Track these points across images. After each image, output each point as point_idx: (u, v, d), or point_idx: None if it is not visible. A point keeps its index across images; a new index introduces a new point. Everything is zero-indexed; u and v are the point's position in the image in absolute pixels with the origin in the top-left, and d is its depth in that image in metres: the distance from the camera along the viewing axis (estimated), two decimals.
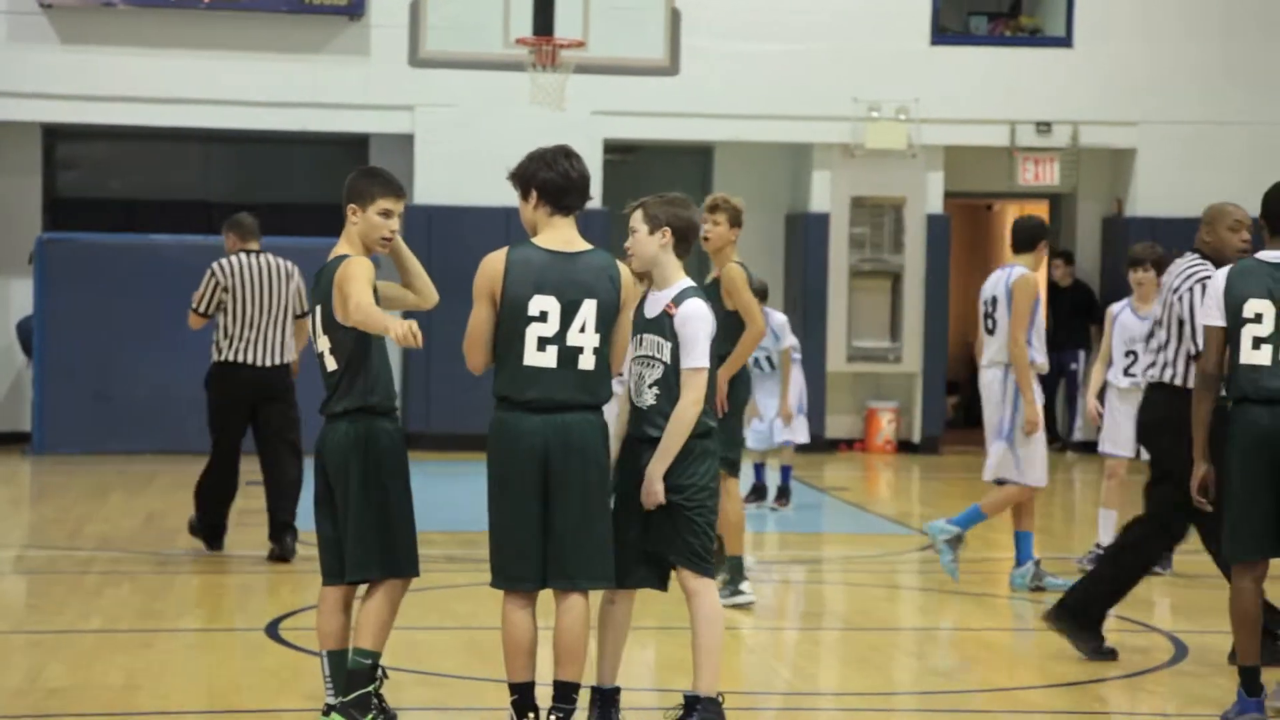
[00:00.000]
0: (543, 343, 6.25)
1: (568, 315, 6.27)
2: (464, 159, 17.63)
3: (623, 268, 6.42)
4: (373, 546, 6.45)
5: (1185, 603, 10.04)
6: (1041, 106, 18.22)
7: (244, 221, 11.06)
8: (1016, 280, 10.12)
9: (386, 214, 6.62)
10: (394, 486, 6.50)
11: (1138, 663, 8.30)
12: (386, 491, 6.48)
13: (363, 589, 6.58)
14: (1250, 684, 6.98)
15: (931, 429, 18.56)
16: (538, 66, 13.95)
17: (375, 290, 6.48)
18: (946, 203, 18.64)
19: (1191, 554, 11.93)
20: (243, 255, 10.95)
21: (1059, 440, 19.45)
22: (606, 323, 6.31)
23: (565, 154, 6.53)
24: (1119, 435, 10.97)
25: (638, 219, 6.73)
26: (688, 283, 6.62)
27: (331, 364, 6.53)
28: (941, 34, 18.35)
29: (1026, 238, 10.38)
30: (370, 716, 6.46)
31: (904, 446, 18.51)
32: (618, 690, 6.62)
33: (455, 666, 7.83)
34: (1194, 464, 7.12)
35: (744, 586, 9.42)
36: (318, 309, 6.57)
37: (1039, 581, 10.20)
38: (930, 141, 18.14)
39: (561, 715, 6.33)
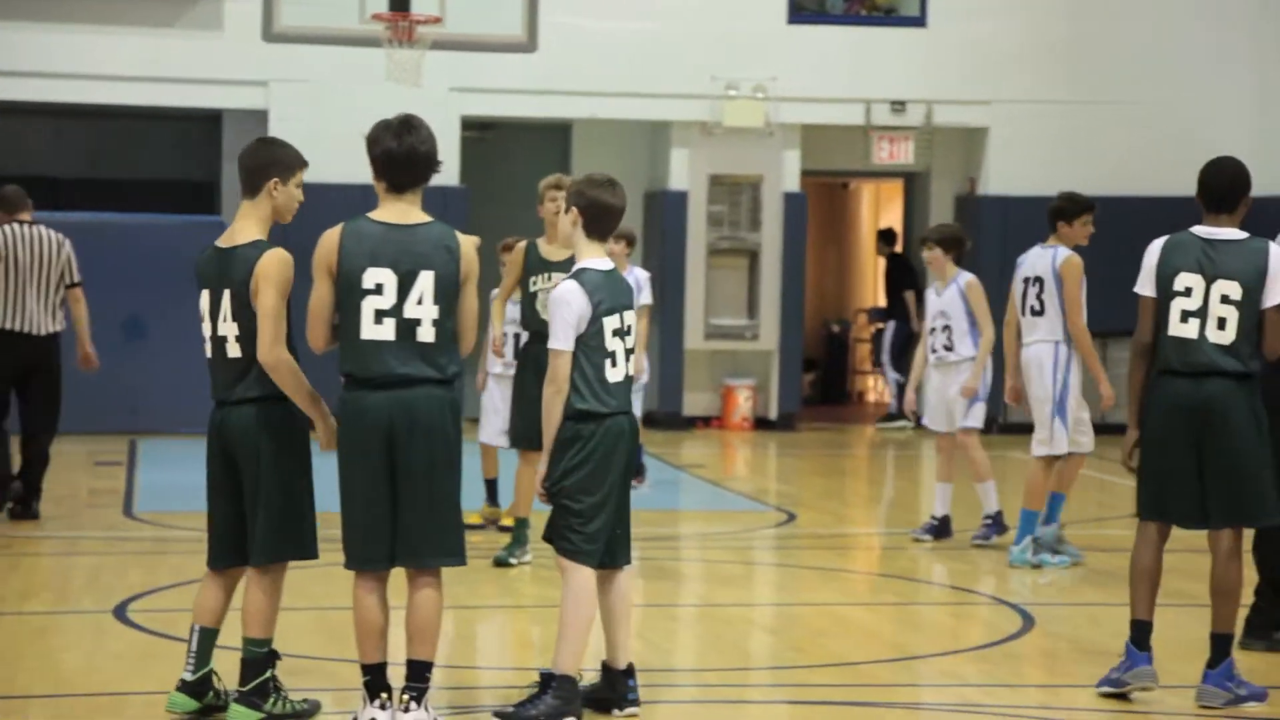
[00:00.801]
0: (380, 315, 6.19)
1: (404, 287, 6.19)
2: (320, 136, 17.39)
3: (463, 240, 6.32)
4: (283, 530, 6.43)
5: (1032, 575, 10.22)
6: (896, 86, 18.41)
7: (9, 194, 11.40)
8: (1063, 263, 10.37)
9: (299, 186, 6.65)
10: (301, 470, 6.50)
11: (986, 635, 8.44)
12: (294, 475, 6.48)
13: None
14: (1140, 638, 7.08)
15: (788, 406, 18.71)
16: (394, 42, 13.85)
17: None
18: (803, 181, 18.78)
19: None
20: (14, 226, 11.29)
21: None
22: (446, 295, 6.23)
23: (406, 126, 6.42)
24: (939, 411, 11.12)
25: (561, 197, 7.21)
26: (587, 264, 6.65)
27: (235, 351, 6.47)
28: (798, 13, 18.47)
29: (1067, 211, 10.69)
30: (271, 700, 6.48)
31: (761, 423, 18.65)
32: (629, 668, 6.74)
33: (309, 647, 7.77)
34: (1127, 430, 7.20)
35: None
36: (225, 293, 6.46)
37: (1049, 555, 10.36)
38: (787, 120, 18.26)
39: (414, 694, 6.31)
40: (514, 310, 11.35)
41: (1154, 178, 18.33)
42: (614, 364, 6.60)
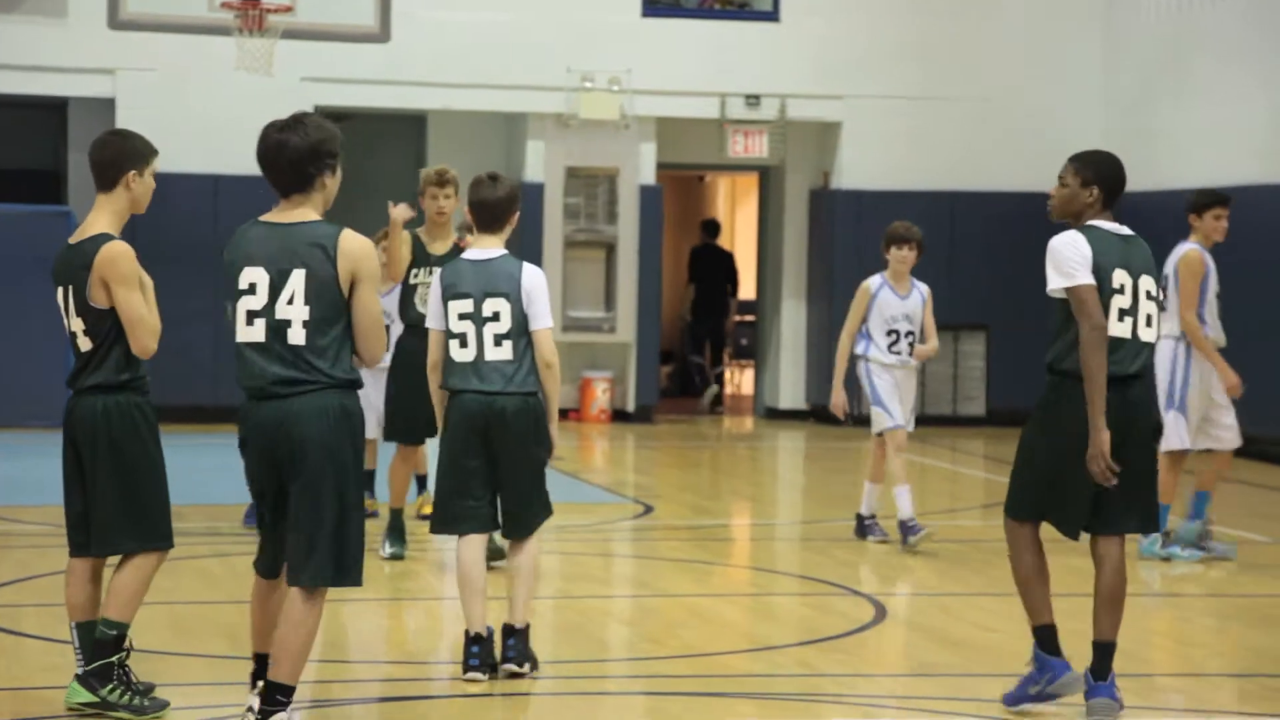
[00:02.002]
0: (251, 316, 5.97)
1: (276, 287, 5.97)
2: (169, 125, 17.14)
3: (351, 240, 6.03)
4: (122, 520, 6.38)
5: (886, 566, 10.31)
6: (750, 80, 18.49)
7: None
8: (1181, 258, 10.32)
9: (154, 175, 6.57)
10: (144, 460, 6.43)
11: (840, 625, 8.50)
12: (136, 465, 6.41)
13: (115, 560, 6.51)
14: (1050, 643, 6.70)
15: (646, 398, 18.73)
16: (244, 31, 13.65)
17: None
18: (659, 174, 18.80)
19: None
20: None
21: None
22: (318, 294, 5.93)
23: (278, 125, 6.14)
24: (895, 404, 10.88)
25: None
26: (467, 253, 7.29)
27: (86, 344, 6.44)
28: (653, 5, 18.48)
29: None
30: (109, 688, 6.38)
31: (618, 416, 18.65)
32: (506, 628, 7.16)
33: (158, 642, 7.64)
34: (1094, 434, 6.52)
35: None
36: (68, 290, 6.41)
37: (1179, 548, 10.35)
38: (643, 112, 18.27)
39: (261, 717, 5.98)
40: (385, 302, 11.30)
41: (1004, 173, 18.60)
42: (462, 345, 7.12)
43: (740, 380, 22.73)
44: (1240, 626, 8.81)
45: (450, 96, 17.94)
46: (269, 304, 5.93)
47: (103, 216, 6.44)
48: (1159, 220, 17.77)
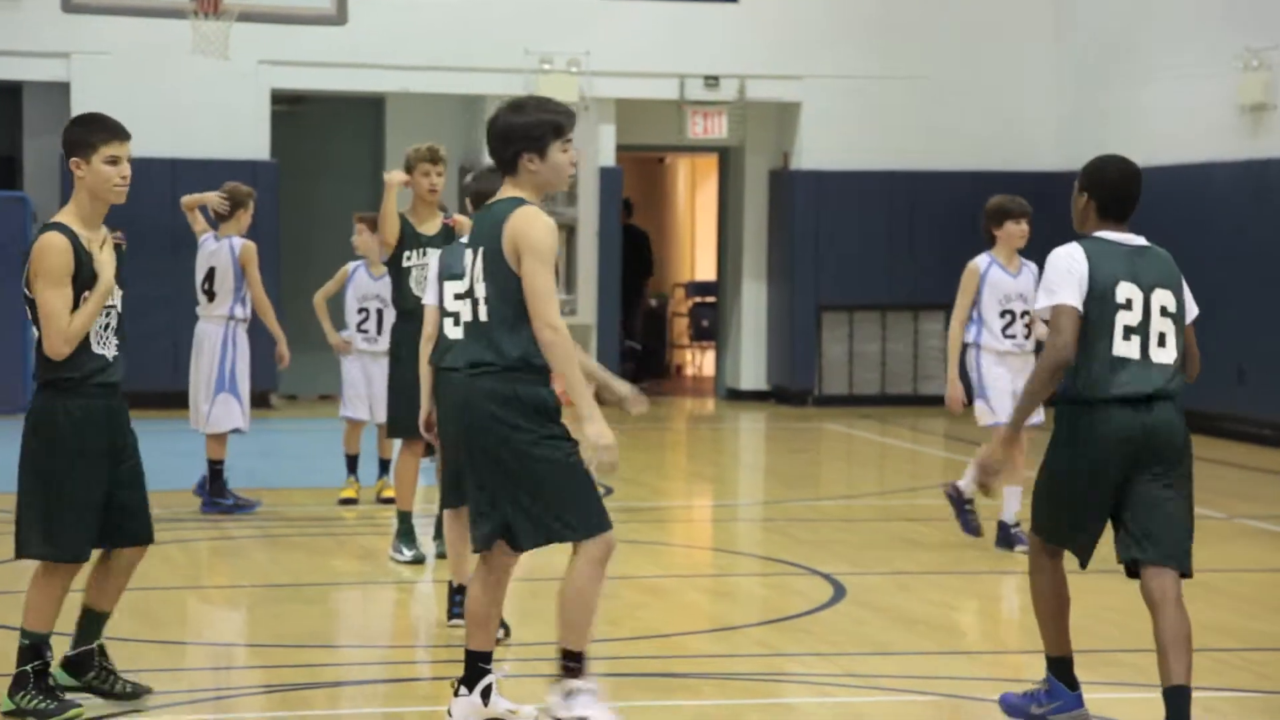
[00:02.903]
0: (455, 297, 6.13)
1: (472, 267, 6.04)
2: (125, 109, 16.75)
3: (518, 216, 5.95)
4: (27, 525, 6.18)
5: (845, 546, 10.34)
6: (709, 61, 18.48)
7: None
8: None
9: (114, 160, 6.20)
10: (52, 467, 6.15)
11: (799, 605, 8.52)
12: (42, 471, 6.16)
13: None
14: (1067, 675, 6.38)
15: None
16: (199, 14, 13.57)
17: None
18: (619, 155, 18.78)
19: (854, 498, 12.32)
20: None
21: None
22: (492, 273, 5.98)
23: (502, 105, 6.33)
24: (1004, 400, 10.14)
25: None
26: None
27: (36, 332, 6.24)
28: None
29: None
30: (20, 694, 6.22)
31: None
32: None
33: (127, 629, 7.60)
34: (1006, 436, 6.33)
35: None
36: (24, 278, 6.21)
37: None
38: (602, 94, 18.24)
39: None
40: (376, 285, 11.19)
41: (963, 153, 18.63)
42: (455, 324, 7.39)
43: (701, 361, 22.75)
44: (1197, 605, 8.85)
45: (408, 79, 17.88)
46: (469, 284, 5.98)
47: (70, 208, 6.25)
48: None
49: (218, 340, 11.00)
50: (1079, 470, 6.09)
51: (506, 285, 5.90)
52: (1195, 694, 6.02)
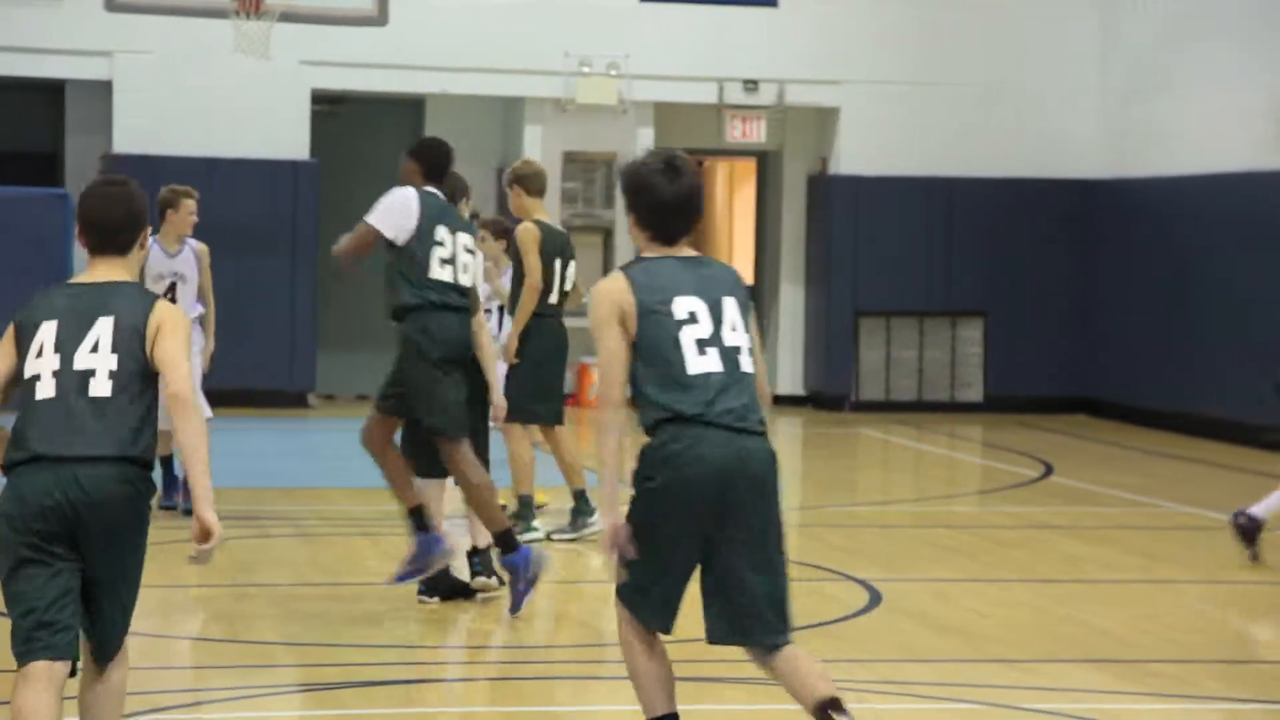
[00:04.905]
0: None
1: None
2: (166, 107, 17.16)
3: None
4: None
5: (880, 553, 10.31)
6: (749, 65, 18.46)
7: None
8: None
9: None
10: None
11: (834, 610, 8.50)
12: None
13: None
14: None
15: None
16: (241, 14, 13.63)
17: None
18: None
19: (890, 504, 12.29)
20: None
21: None
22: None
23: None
24: None
25: None
26: None
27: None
28: None
29: None
30: None
31: None
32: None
33: (150, 626, 7.63)
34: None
35: (535, 523, 10.25)
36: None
37: None
38: (641, 97, 18.24)
39: None
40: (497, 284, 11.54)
41: (1002, 159, 18.57)
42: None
43: None
44: (1235, 614, 8.81)
45: (448, 80, 17.91)
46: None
47: None
48: (1161, 208, 17.85)
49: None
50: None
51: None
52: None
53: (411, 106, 18.91)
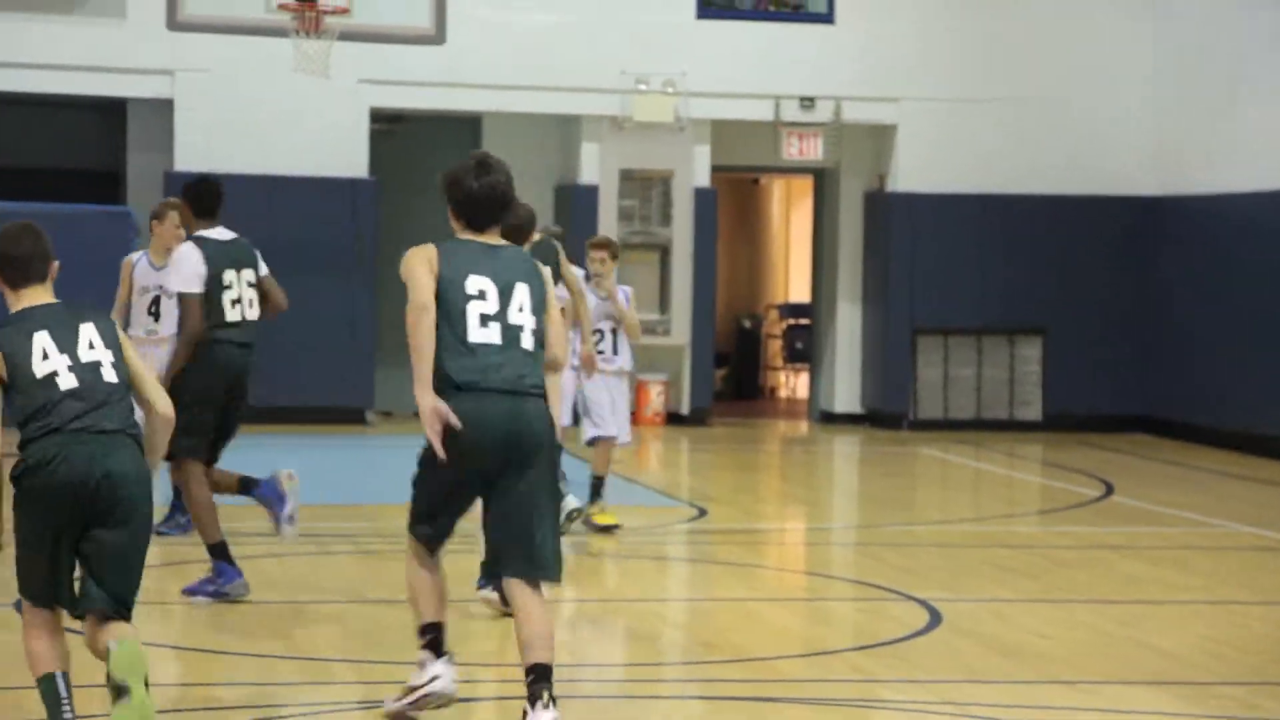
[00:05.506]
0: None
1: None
2: (226, 126, 17.28)
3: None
4: None
5: (940, 572, 10.25)
6: (805, 82, 18.44)
7: None
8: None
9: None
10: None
11: (894, 630, 8.45)
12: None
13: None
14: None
15: (700, 401, 18.70)
16: (301, 33, 13.72)
17: None
18: (714, 176, 18.78)
19: (949, 523, 12.23)
20: None
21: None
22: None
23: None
24: None
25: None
26: None
27: None
28: (707, 7, 18.44)
29: None
30: None
31: (673, 419, 18.63)
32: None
33: (213, 642, 7.66)
34: None
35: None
36: None
37: None
38: (697, 115, 18.24)
39: None
40: (606, 306, 11.40)
41: (1060, 176, 18.49)
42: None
43: (795, 384, 22.69)
44: None
45: (505, 99, 17.96)
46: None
47: None
48: (1219, 224, 17.71)
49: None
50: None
51: None
52: None
53: (469, 125, 18.98)
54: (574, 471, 13.11)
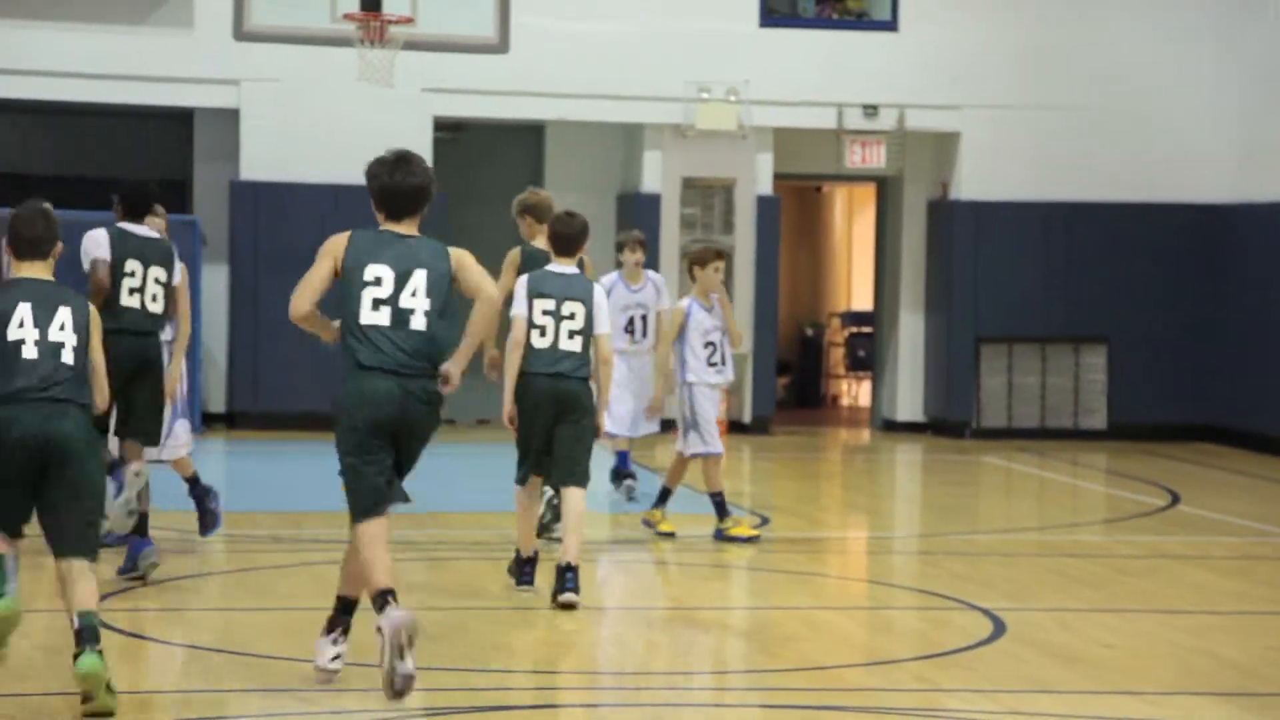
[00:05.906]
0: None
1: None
2: (291, 135, 17.40)
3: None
4: None
5: (1003, 581, 10.21)
6: (868, 89, 18.40)
7: None
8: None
9: None
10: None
11: (957, 640, 8.42)
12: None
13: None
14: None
15: (762, 409, 18.68)
16: (366, 42, 13.81)
17: None
18: (776, 184, 18.76)
19: (1013, 532, 12.18)
20: None
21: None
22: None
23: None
24: None
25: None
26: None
27: None
28: (770, 15, 18.45)
29: None
30: None
31: (735, 427, 18.61)
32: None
33: (273, 648, 7.71)
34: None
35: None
36: None
37: None
38: (760, 123, 18.24)
39: None
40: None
41: (1124, 183, 18.37)
42: (542, 335, 9.02)
43: (857, 392, 22.63)
44: None
45: (568, 107, 18.01)
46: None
47: None
48: None
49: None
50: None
51: None
52: None
53: (532, 133, 19.04)
54: (647, 483, 13.14)
